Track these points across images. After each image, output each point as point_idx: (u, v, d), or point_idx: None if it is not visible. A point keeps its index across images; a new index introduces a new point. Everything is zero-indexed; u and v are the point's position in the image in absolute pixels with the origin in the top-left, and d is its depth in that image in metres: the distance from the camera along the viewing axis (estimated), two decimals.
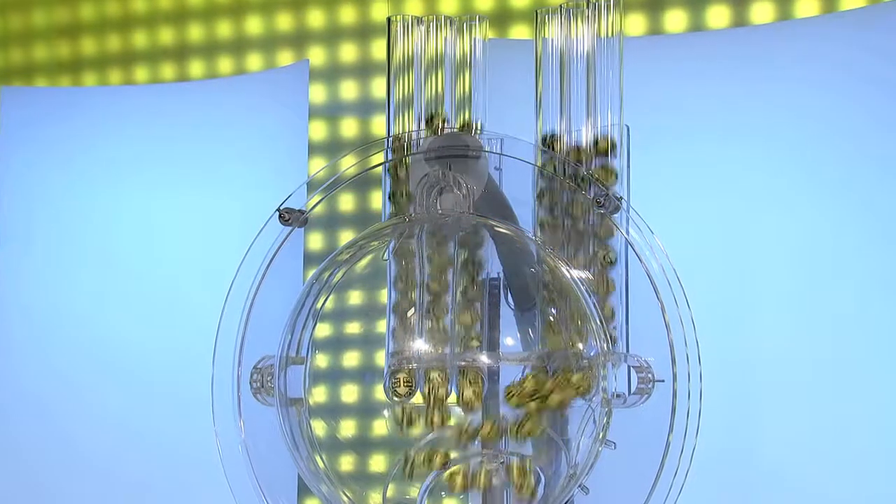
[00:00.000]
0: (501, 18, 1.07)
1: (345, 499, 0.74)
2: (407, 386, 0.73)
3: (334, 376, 0.83)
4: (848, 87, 0.96)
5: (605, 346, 0.72)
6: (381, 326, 0.79)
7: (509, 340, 0.77)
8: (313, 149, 1.07)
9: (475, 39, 0.80)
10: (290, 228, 0.78)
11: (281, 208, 0.78)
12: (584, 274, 0.76)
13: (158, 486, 1.18)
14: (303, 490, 0.80)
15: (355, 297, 0.81)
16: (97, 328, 1.21)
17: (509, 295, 0.78)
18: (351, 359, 0.83)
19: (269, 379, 0.77)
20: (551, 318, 0.75)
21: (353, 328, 0.82)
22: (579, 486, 0.72)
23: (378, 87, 1.10)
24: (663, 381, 0.71)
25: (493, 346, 0.76)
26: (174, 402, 1.17)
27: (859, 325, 0.95)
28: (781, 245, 0.97)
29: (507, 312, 0.78)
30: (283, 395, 0.76)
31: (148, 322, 1.19)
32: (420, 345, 0.75)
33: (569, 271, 0.75)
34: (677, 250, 0.73)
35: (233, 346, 0.78)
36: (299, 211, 0.78)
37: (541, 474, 0.74)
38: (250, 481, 0.76)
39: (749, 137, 0.97)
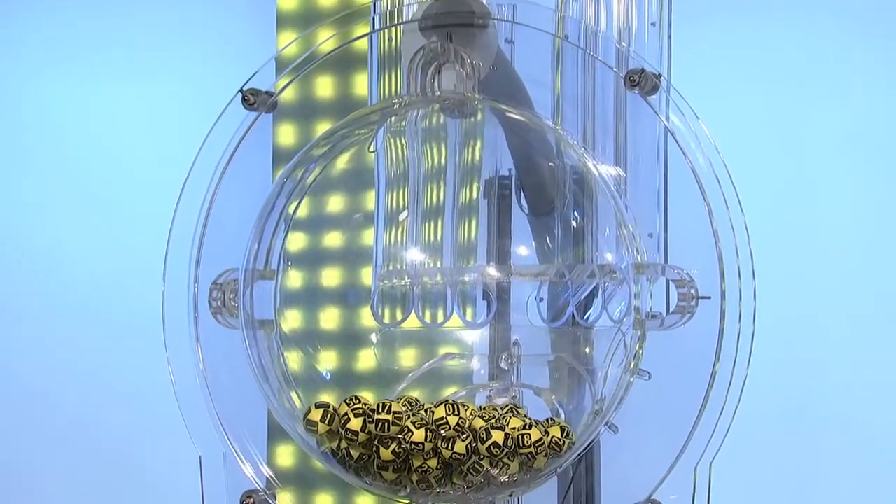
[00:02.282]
0: None
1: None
2: None
3: (311, 297, 0.82)
4: None
5: (638, 256, 0.71)
6: (368, 237, 0.79)
7: (522, 250, 0.77)
8: (282, 20, 1.05)
9: None
10: (255, 114, 0.77)
11: (244, 89, 0.76)
12: (613, 170, 0.75)
13: (102, 422, 1.20)
14: (275, 432, 0.80)
15: (335, 202, 0.80)
16: (31, 237, 1.22)
17: (522, 196, 0.77)
18: (331, 276, 0.82)
19: (232, 296, 0.76)
20: (574, 224, 0.74)
21: (333, 239, 0.81)
22: (606, 424, 0.71)
23: None
24: (709, 298, 0.70)
25: (503, 257, 0.76)
26: (118, 324, 1.18)
27: None
28: (850, 135, 0.97)
29: (520, 217, 0.77)
30: (249, 315, 0.75)
31: (89, 230, 1.20)
32: (414, 255, 0.74)
33: (595, 167, 0.73)
34: (728, 141, 0.72)
35: (187, 257, 0.76)
36: (267, 93, 0.77)
37: (560, 410, 0.74)
38: (210, 419, 0.75)
39: (814, 7, 0.97)
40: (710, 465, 0.69)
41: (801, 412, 0.99)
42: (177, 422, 0.75)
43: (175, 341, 0.76)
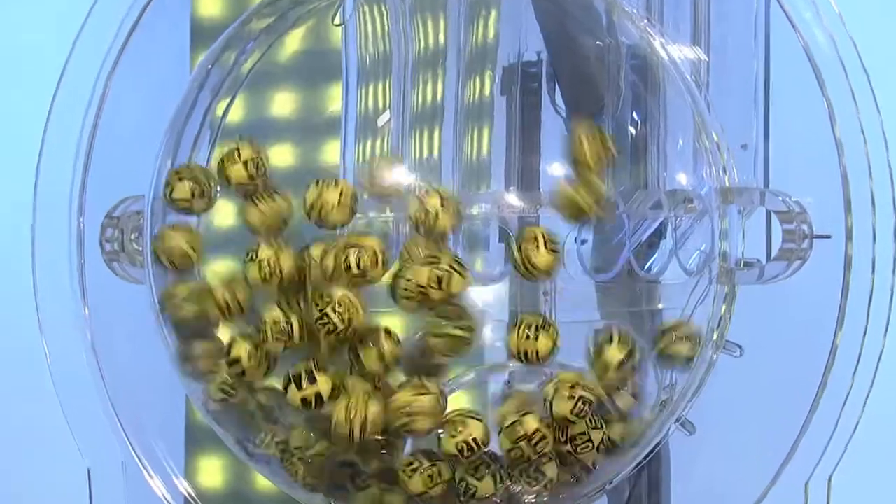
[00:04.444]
0: None
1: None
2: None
3: (250, 238, 0.75)
4: None
5: (726, 177, 0.67)
6: (332, 151, 0.75)
7: (556, 170, 0.71)
8: None
9: None
10: None
11: None
12: (690, 52, 0.70)
13: None
14: (198, 434, 0.77)
15: (284, 100, 0.76)
16: None
17: (557, 90, 0.72)
18: None
19: (134, 236, 0.71)
20: (633, 131, 0.70)
21: (281, 154, 0.76)
22: (678, 420, 0.67)
23: None
24: (829, 237, 0.66)
25: (528, 180, 0.71)
26: None
27: None
28: None
29: (553, 122, 0.72)
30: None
31: None
32: (400, 178, 0.69)
33: (664, 47, 0.68)
34: (859, 9, 0.67)
35: (68, 178, 0.72)
36: None
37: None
38: (103, 412, 0.71)
39: None
40: (829, 480, 0.66)
41: None
42: (56, 419, 0.71)
43: (51, 302, 0.72)
